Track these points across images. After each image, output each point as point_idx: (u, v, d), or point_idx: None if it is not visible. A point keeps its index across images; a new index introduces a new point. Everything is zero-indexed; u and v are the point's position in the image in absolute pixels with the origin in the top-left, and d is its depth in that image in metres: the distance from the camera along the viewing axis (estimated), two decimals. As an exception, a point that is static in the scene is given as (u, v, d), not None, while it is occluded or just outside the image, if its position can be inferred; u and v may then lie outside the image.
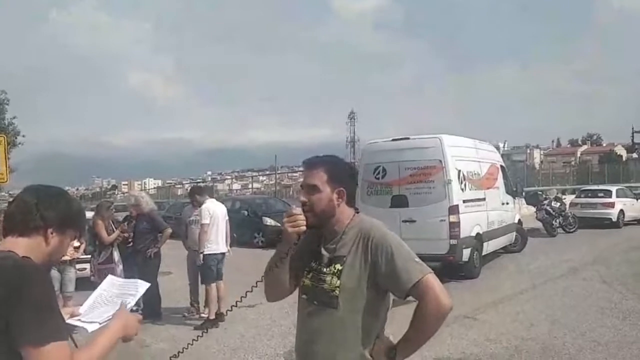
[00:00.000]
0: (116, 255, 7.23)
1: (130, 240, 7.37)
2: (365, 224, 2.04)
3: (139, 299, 6.81)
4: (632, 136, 76.61)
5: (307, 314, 2.09)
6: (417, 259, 1.93)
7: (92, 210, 8.16)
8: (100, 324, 1.75)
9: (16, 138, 26.68)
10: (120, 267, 7.25)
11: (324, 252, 2.07)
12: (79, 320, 1.81)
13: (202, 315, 7.27)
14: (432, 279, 1.89)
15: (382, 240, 1.95)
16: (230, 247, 7.57)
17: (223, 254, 7.30)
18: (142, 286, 2.02)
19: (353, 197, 2.13)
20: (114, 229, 7.28)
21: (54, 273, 6.40)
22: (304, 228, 2.00)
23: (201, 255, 7.04)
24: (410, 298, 1.94)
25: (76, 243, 6.86)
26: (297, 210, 2.03)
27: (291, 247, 2.05)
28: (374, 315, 1.99)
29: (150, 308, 7.08)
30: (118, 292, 1.98)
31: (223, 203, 8.41)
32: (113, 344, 1.65)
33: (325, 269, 2.03)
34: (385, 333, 2.04)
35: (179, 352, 2.74)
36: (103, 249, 7.17)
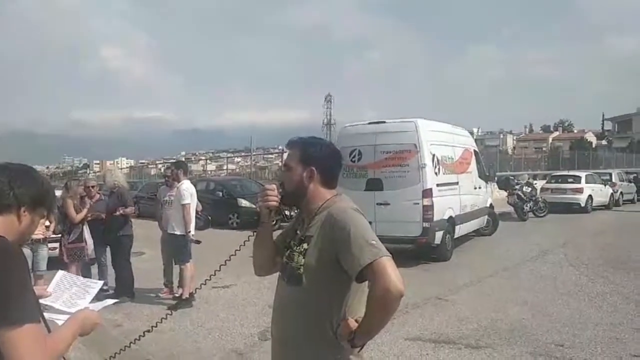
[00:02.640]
0: (86, 234, 7.13)
1: (102, 220, 7.27)
2: (334, 205, 2.04)
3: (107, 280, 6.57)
4: (602, 123, 78.49)
5: (279, 291, 2.15)
6: (374, 242, 1.86)
7: (61, 189, 7.99)
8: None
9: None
10: (92, 246, 7.16)
11: (298, 231, 2.12)
12: (51, 309, 1.81)
13: (176, 295, 7.25)
14: (385, 263, 1.80)
15: (342, 221, 1.94)
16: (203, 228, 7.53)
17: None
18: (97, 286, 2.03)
19: (331, 178, 2.13)
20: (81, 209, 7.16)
21: (26, 251, 6.29)
22: (274, 204, 2.10)
23: (189, 235, 7.00)
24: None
25: (46, 222, 6.75)
26: (271, 187, 2.13)
27: (267, 223, 2.16)
28: (339, 295, 1.97)
29: (124, 288, 7.03)
30: (79, 282, 2.02)
31: (197, 184, 8.36)
32: (75, 336, 1.66)
33: (295, 248, 2.07)
34: (357, 316, 1.99)
35: (149, 329, 2.76)
36: (73, 227, 7.07)
